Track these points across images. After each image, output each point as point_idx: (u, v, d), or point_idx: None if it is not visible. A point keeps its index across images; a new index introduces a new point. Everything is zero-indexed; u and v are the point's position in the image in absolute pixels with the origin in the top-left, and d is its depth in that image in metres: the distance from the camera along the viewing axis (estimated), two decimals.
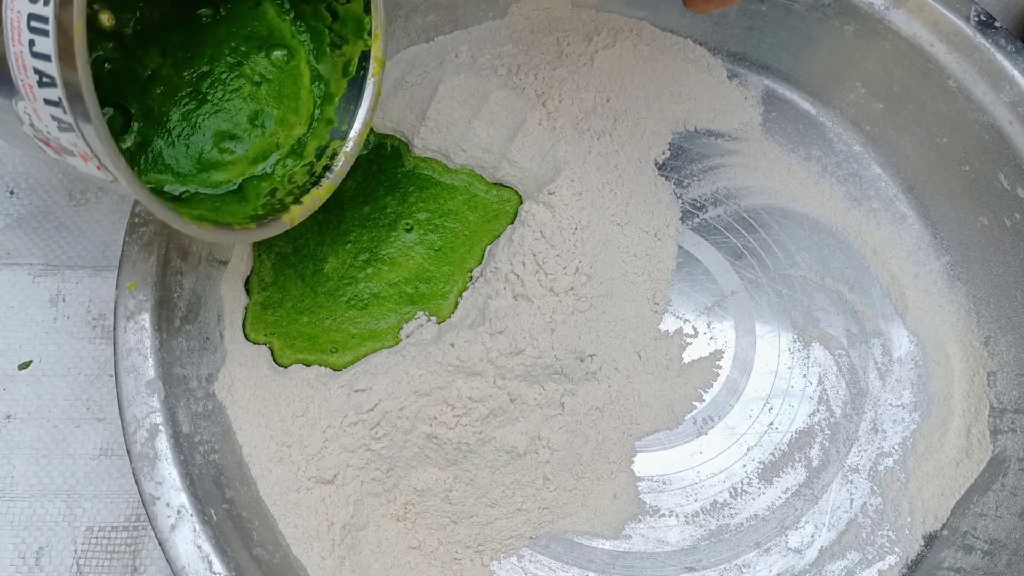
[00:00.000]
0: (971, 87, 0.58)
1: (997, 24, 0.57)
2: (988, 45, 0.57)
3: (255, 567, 0.44)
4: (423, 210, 0.56)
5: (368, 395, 0.49)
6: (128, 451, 0.45)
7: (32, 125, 0.36)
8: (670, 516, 0.55)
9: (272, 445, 0.49)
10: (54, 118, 0.35)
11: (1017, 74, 0.56)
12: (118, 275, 0.48)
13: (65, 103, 0.33)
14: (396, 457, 0.50)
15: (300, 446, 0.49)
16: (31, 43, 0.33)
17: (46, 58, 0.33)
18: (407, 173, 0.57)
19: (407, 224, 0.56)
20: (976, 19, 0.57)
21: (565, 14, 0.64)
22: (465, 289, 0.55)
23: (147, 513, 0.44)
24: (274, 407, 0.50)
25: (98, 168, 0.36)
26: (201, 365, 0.49)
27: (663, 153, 0.63)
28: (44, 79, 0.33)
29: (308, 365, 0.52)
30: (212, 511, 0.45)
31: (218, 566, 0.43)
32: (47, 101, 0.34)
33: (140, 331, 0.47)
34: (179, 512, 0.44)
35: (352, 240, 0.54)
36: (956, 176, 0.60)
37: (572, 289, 0.54)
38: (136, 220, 0.49)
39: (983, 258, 0.59)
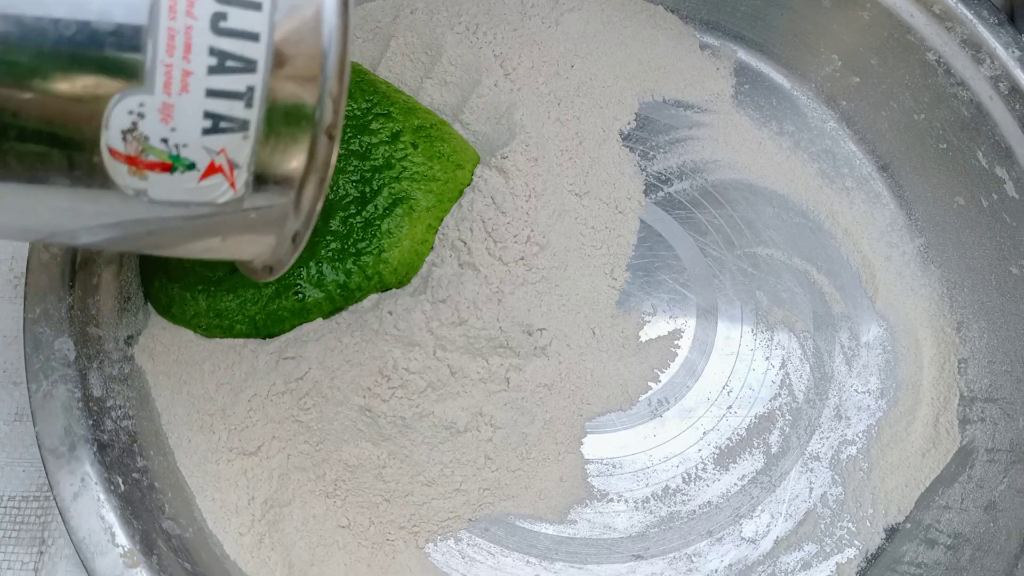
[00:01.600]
0: (951, 60, 0.55)
1: None
2: (970, 16, 0.54)
3: (164, 540, 0.42)
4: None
5: (298, 363, 0.46)
6: (32, 414, 0.42)
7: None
8: (619, 501, 0.52)
9: (193, 414, 0.46)
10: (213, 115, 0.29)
11: (999, 47, 0.53)
12: None
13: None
14: (326, 430, 0.47)
15: (223, 415, 0.46)
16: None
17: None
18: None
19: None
20: None
21: None
22: None
23: (48, 481, 0.41)
24: (197, 374, 0.47)
25: (231, 186, 0.31)
26: (120, 326, 0.46)
27: (629, 123, 0.60)
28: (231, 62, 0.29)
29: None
30: (120, 480, 0.42)
31: (121, 538, 0.40)
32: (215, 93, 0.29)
33: (52, 285, 0.44)
34: (83, 480, 0.41)
35: None
36: (933, 154, 0.57)
37: (523, 259, 0.51)
38: None
39: (958, 240, 0.56)
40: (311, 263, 0.48)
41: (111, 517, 0.41)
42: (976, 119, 0.54)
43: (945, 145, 0.56)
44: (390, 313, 0.47)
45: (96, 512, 0.40)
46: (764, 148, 0.60)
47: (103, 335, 0.45)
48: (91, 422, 0.42)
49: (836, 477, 0.53)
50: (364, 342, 0.47)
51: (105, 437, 0.43)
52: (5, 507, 0.48)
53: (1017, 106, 0.53)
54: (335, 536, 0.48)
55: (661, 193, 0.59)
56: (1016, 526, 0.48)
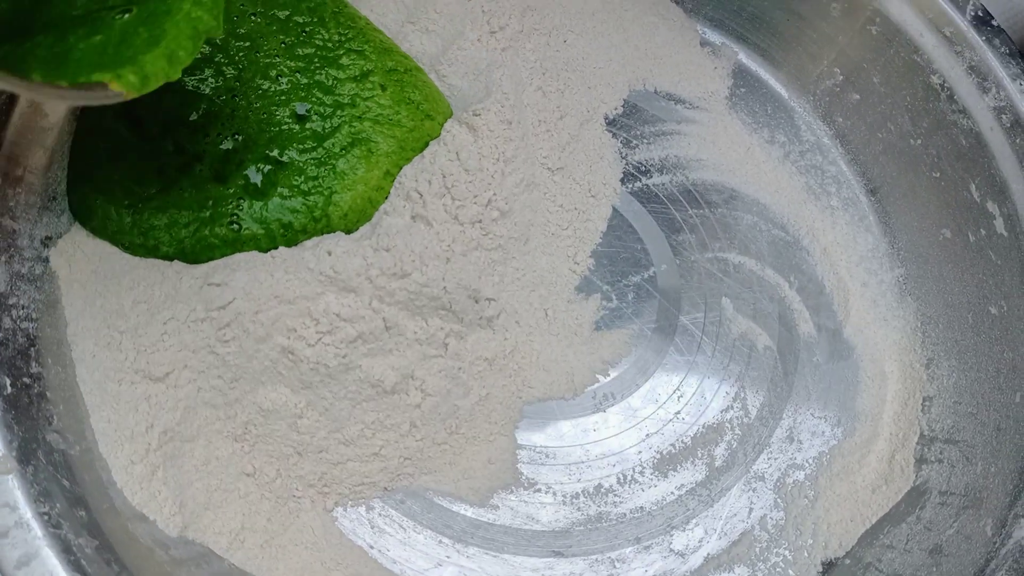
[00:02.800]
0: (956, 85, 0.52)
1: (994, 22, 0.52)
2: (981, 42, 0.52)
3: (44, 452, 0.38)
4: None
5: (222, 291, 0.43)
6: None
7: None
8: (546, 492, 0.49)
9: (103, 328, 0.43)
10: None
11: (1006, 78, 0.51)
12: None
13: None
14: (243, 367, 0.44)
15: (134, 335, 0.43)
16: None
17: None
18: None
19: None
20: (973, 13, 0.52)
21: None
22: None
23: None
24: (114, 288, 0.44)
25: None
26: (39, 224, 0.43)
27: (615, 108, 0.57)
28: None
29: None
30: (8, 381, 0.39)
31: None
32: None
33: None
34: None
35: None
36: (925, 182, 0.55)
37: (480, 222, 0.48)
38: None
39: (939, 274, 0.54)
40: (255, 194, 0.45)
41: None
42: (974, 150, 0.52)
43: (939, 174, 0.54)
44: (329, 253, 0.44)
45: None
46: (752, 154, 0.58)
47: (18, 230, 0.42)
48: None
49: (779, 501, 0.50)
50: (296, 280, 0.44)
51: (0, 335, 0.39)
52: None
53: (1018, 140, 0.50)
54: (237, 483, 0.45)
55: (639, 184, 0.56)
56: (960, 573, 0.45)
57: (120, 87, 0.35)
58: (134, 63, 0.35)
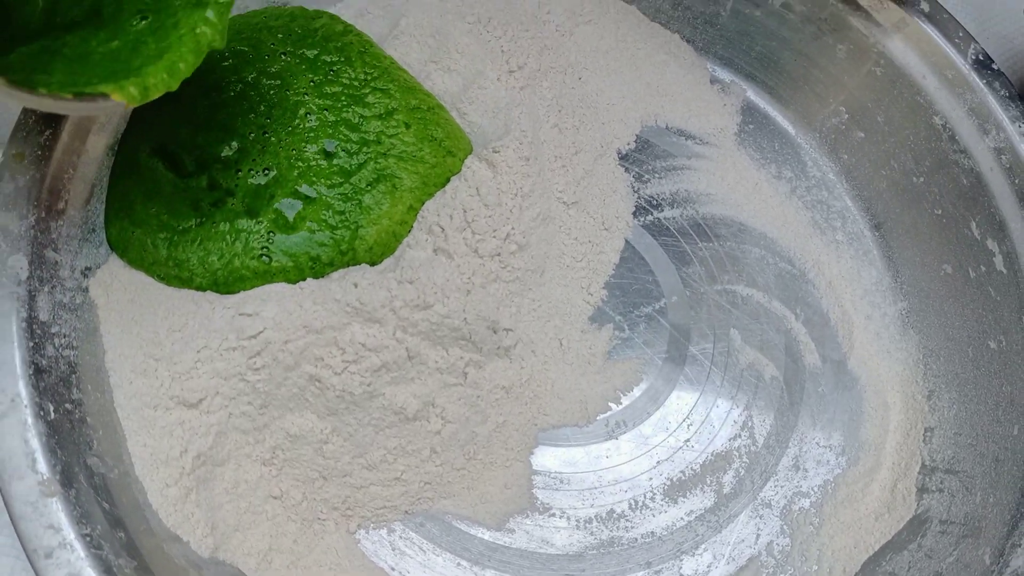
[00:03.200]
0: (957, 126, 0.54)
1: (994, 66, 0.54)
2: (982, 85, 0.54)
3: (85, 476, 0.40)
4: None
5: (253, 320, 0.45)
6: None
7: None
8: (561, 517, 0.51)
9: (139, 355, 0.45)
10: None
11: (1006, 120, 0.53)
12: (8, 140, 0.44)
13: None
14: (272, 394, 0.46)
15: (169, 362, 0.45)
16: None
17: None
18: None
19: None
20: (974, 57, 0.54)
21: None
22: None
23: None
24: (150, 317, 0.45)
25: None
26: (80, 255, 0.45)
27: (628, 143, 0.59)
28: None
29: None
30: (51, 407, 0.40)
31: (42, 465, 0.39)
32: None
33: (15, 202, 0.43)
34: (12, 401, 0.40)
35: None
36: (927, 219, 0.57)
37: (499, 255, 0.50)
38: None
39: (940, 308, 0.56)
40: (285, 228, 0.47)
41: (35, 442, 0.39)
42: (974, 189, 0.54)
43: (940, 211, 0.56)
44: (355, 285, 0.46)
45: (21, 435, 0.39)
46: (760, 189, 0.60)
47: (60, 261, 0.44)
48: (32, 344, 0.41)
49: (785, 527, 0.52)
50: (324, 310, 0.45)
51: (44, 362, 0.41)
52: None
53: (1017, 180, 0.52)
54: (265, 505, 0.46)
55: (650, 217, 0.58)
56: None
57: (121, 97, 0.37)
58: (138, 75, 0.37)
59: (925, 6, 0.55)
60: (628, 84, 0.60)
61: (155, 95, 0.37)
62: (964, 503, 0.50)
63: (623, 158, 0.59)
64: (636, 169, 0.59)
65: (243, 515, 0.46)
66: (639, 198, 0.58)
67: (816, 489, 0.53)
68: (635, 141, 0.59)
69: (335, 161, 0.48)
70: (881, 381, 0.56)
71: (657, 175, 0.59)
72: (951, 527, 0.50)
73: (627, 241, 0.57)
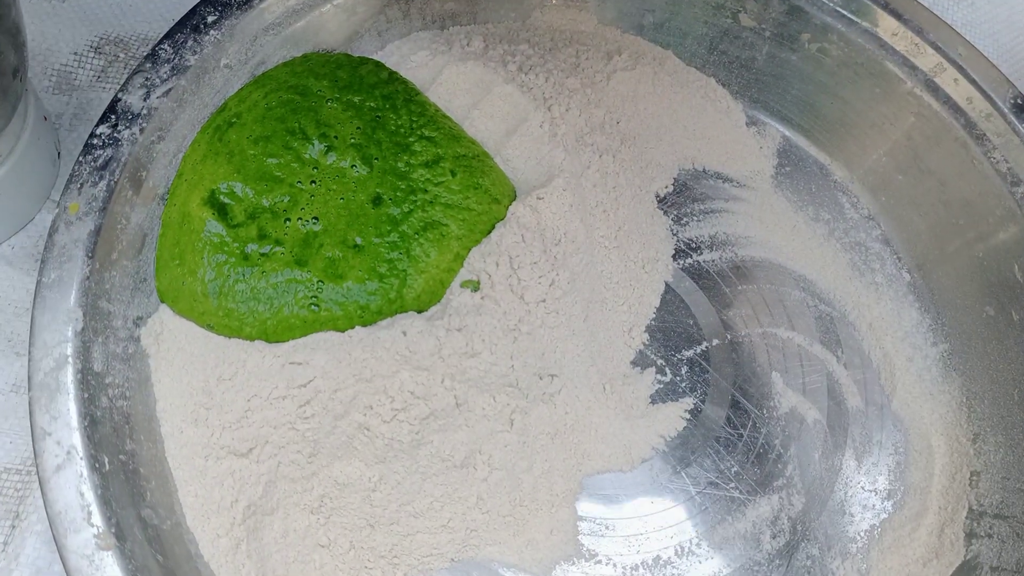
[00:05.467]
0: (997, 169, 0.54)
1: None
2: (1021, 128, 0.54)
3: (139, 528, 0.40)
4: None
5: (303, 369, 0.45)
6: (29, 379, 0.41)
7: None
8: (607, 564, 0.50)
9: (190, 404, 0.45)
10: None
11: None
12: (62, 194, 0.44)
13: None
14: (321, 442, 0.46)
15: (219, 411, 0.45)
16: None
17: None
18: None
19: None
20: (1012, 101, 0.54)
21: (589, 29, 0.61)
22: None
23: (34, 448, 0.40)
24: (200, 366, 0.46)
25: None
26: (131, 305, 0.46)
27: (666, 187, 0.59)
28: None
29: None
30: (106, 459, 0.41)
31: (97, 518, 0.39)
32: None
33: (71, 255, 0.43)
34: (69, 453, 0.40)
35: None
36: (968, 261, 0.56)
37: (544, 301, 0.50)
38: (94, 141, 0.46)
39: (984, 351, 0.55)
40: (333, 277, 0.47)
41: (91, 495, 0.39)
42: (1018, 233, 0.54)
43: (982, 254, 0.56)
44: (404, 333, 0.46)
45: (76, 487, 0.39)
46: (798, 231, 0.60)
47: (113, 311, 0.44)
48: (87, 395, 0.41)
49: (833, 573, 0.52)
50: (373, 359, 0.46)
51: (98, 413, 0.41)
52: None
53: None
54: (313, 555, 0.46)
55: (690, 260, 0.58)
56: None
57: None
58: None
59: (962, 51, 0.55)
60: (666, 128, 0.60)
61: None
62: (1015, 549, 0.50)
63: (661, 201, 0.59)
64: (675, 212, 0.59)
65: (292, 565, 0.45)
66: (678, 241, 0.58)
67: (863, 534, 0.53)
68: (673, 184, 0.60)
69: (383, 209, 0.48)
70: (924, 424, 0.56)
71: (695, 218, 0.59)
72: (1002, 574, 0.49)
73: (667, 284, 0.57)
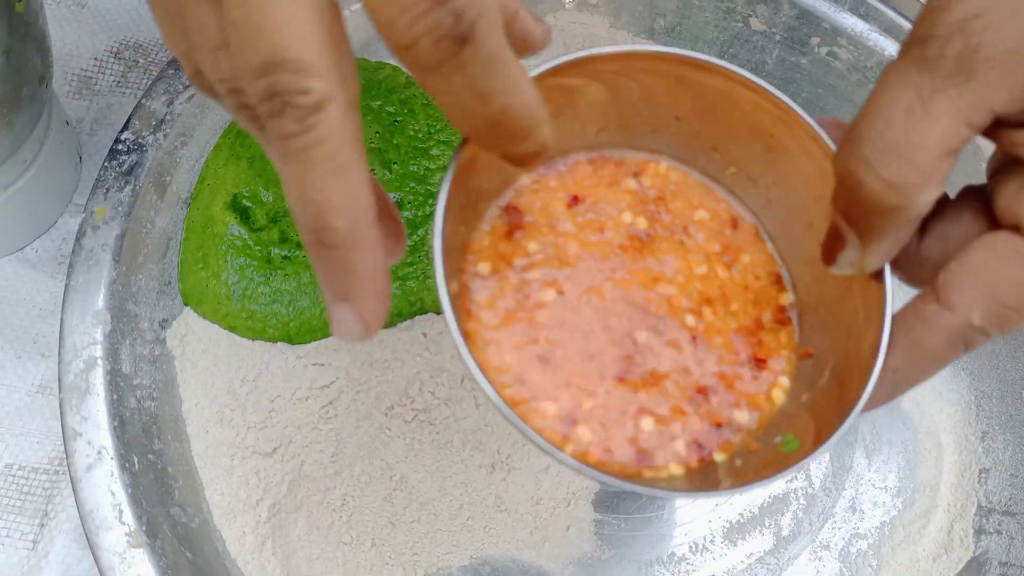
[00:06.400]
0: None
1: None
2: None
3: (169, 526, 0.41)
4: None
5: (326, 371, 0.46)
6: (59, 380, 0.42)
7: None
8: (622, 561, 0.51)
9: (215, 405, 0.46)
10: None
11: None
12: (88, 198, 0.45)
13: None
14: (343, 442, 0.46)
15: (244, 411, 0.46)
16: None
17: None
18: None
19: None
20: None
21: (602, 33, 0.62)
22: None
23: (65, 449, 0.41)
24: (225, 367, 0.47)
25: None
26: (157, 308, 0.46)
27: None
28: None
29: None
30: (135, 459, 0.41)
31: (128, 516, 0.40)
32: None
33: (98, 259, 0.44)
34: (99, 453, 0.41)
35: None
36: None
37: None
38: (119, 147, 0.47)
39: (992, 350, 0.56)
40: None
41: (122, 494, 0.40)
42: None
43: None
44: (424, 335, 0.47)
45: (108, 487, 0.40)
46: None
47: (140, 314, 0.45)
48: (116, 397, 0.42)
49: (844, 569, 0.52)
50: (395, 360, 0.46)
51: (127, 414, 0.42)
52: (14, 476, 0.47)
53: None
54: (336, 552, 0.47)
55: None
56: None
57: None
58: None
59: None
60: None
61: None
62: None
63: None
64: None
65: (315, 562, 0.46)
66: None
67: (873, 531, 0.54)
68: None
69: (402, 213, 0.49)
70: (934, 422, 0.56)
71: None
72: (1011, 569, 0.50)
73: None
